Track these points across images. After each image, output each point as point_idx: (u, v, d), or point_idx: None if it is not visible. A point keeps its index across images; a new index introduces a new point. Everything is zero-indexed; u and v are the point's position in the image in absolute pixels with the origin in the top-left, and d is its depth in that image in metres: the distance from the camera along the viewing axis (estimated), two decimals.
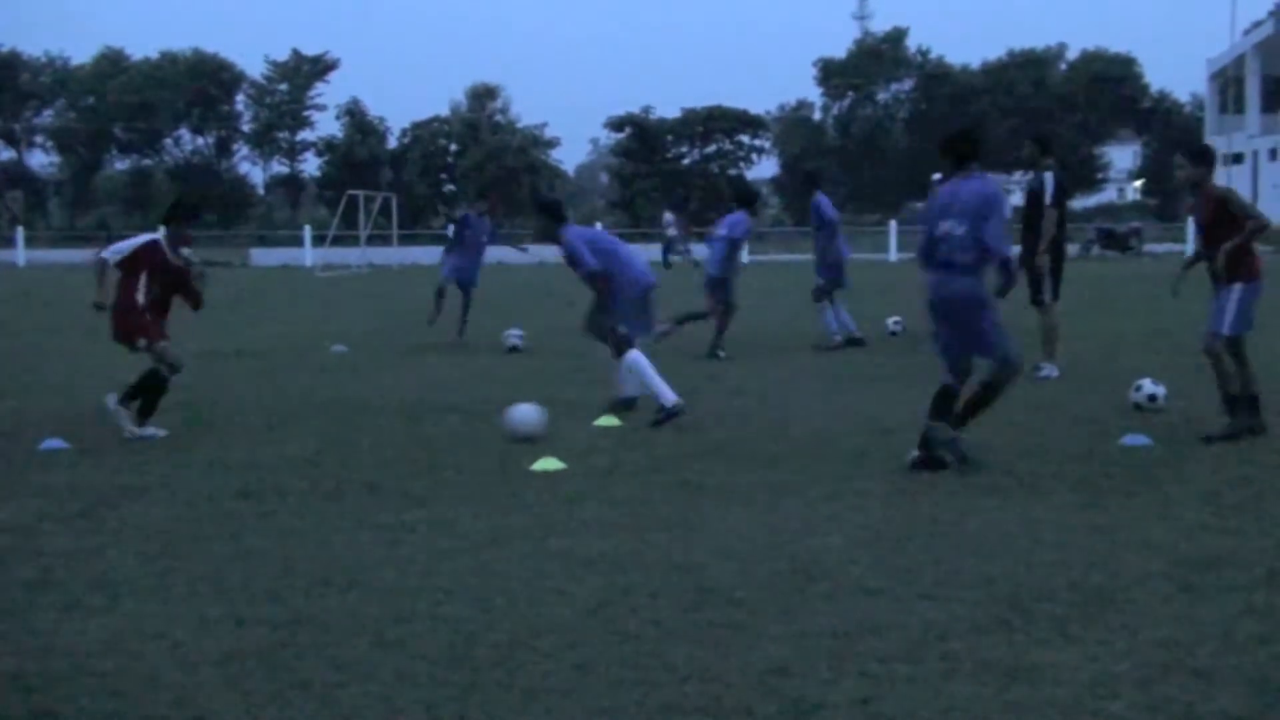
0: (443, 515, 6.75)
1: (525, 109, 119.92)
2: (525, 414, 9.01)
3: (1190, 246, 31.34)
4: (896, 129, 75.96)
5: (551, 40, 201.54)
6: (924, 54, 76.43)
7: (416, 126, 75.68)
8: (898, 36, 76.62)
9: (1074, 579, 5.40)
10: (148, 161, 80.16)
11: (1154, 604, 5.07)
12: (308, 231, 47.69)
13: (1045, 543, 6.00)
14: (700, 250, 48.07)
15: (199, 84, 75.33)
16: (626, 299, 9.95)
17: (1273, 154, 57.35)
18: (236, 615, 5.09)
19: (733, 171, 74.30)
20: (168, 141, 79.36)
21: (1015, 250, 9.70)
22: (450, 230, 16.71)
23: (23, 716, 4.15)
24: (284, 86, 77.86)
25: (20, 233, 48.45)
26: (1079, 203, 70.97)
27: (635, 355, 9.73)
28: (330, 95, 79.27)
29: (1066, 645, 4.62)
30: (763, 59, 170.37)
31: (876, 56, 75.51)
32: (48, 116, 78.90)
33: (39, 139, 79.51)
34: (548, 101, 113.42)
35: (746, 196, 15.23)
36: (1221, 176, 59.40)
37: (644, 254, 11.76)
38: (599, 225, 49.34)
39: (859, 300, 21.34)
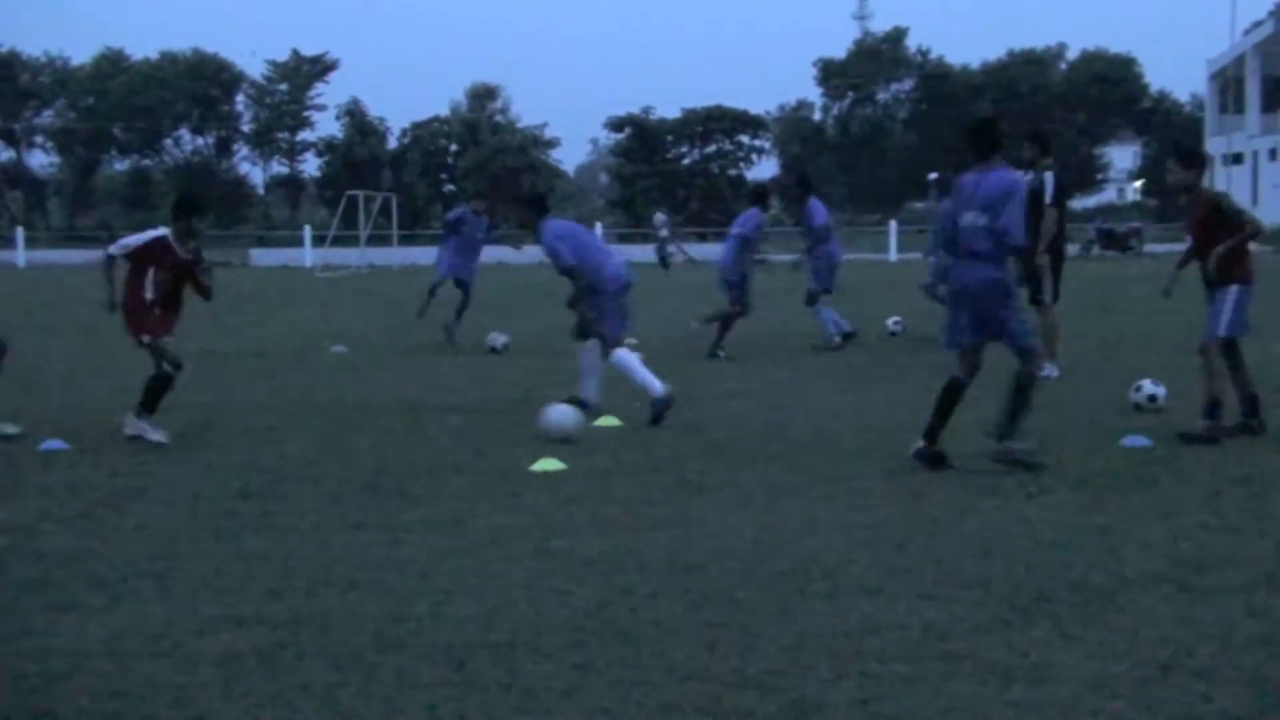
0: (443, 515, 6.75)
1: (525, 109, 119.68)
2: (562, 414, 8.97)
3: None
4: (896, 129, 75.99)
5: (551, 40, 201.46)
6: (924, 54, 76.47)
7: (416, 127, 75.70)
8: (898, 36, 76.65)
9: (1074, 579, 5.40)
10: (148, 162, 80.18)
11: (1154, 604, 5.07)
12: (308, 232, 47.72)
13: (1045, 543, 6.00)
14: (705, 250, 48.34)
15: (199, 84, 75.36)
16: (604, 295, 9.97)
17: (1272, 154, 57.35)
18: (236, 615, 5.09)
19: (732, 171, 74.39)
20: (168, 141, 79.39)
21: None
22: (449, 218, 16.70)
23: (23, 716, 4.15)
24: (284, 87, 77.88)
25: (20, 233, 48.44)
26: (1079, 203, 70.96)
27: (622, 354, 9.78)
28: (330, 95, 79.13)
29: (1066, 645, 4.62)
30: (763, 59, 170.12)
31: (876, 56, 75.53)
32: (48, 116, 78.90)
33: (39, 139, 79.53)
34: (548, 101, 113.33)
35: (757, 193, 15.25)
36: (1221, 176, 59.58)
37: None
38: (598, 225, 49.61)
39: (859, 300, 21.34)
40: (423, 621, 4.99)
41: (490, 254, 17.15)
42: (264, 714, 4.12)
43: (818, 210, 15.10)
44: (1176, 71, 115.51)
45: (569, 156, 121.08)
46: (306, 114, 78.45)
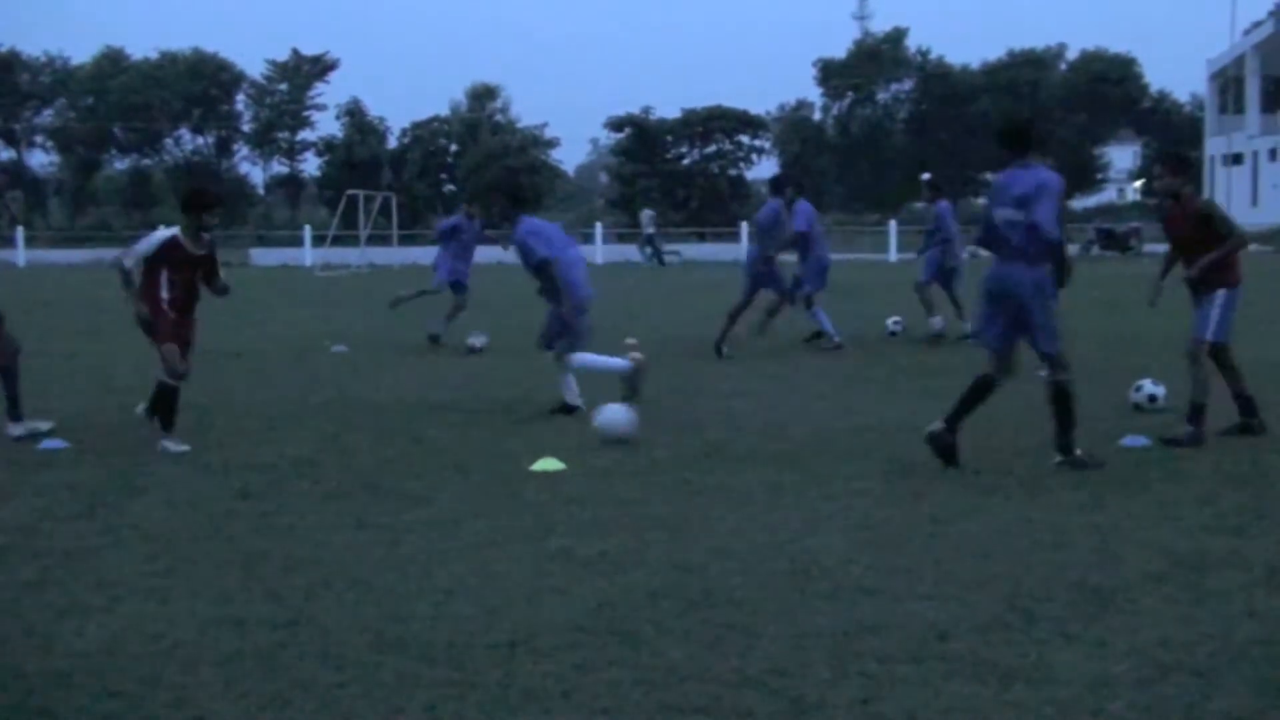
0: (443, 515, 6.76)
1: (525, 109, 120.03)
2: (614, 414, 8.92)
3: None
4: (896, 129, 75.98)
5: (551, 40, 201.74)
6: (924, 54, 76.46)
7: (416, 126, 75.73)
8: (897, 37, 76.64)
9: (1074, 579, 5.40)
10: (147, 161, 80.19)
11: (1154, 604, 5.07)
12: (307, 231, 47.70)
13: (1045, 543, 6.00)
14: (706, 250, 48.43)
15: (199, 84, 75.36)
16: (564, 313, 9.99)
17: (1272, 154, 57.35)
18: (236, 615, 5.09)
19: (732, 172, 74.44)
20: (168, 141, 79.39)
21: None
22: (444, 226, 16.71)
23: (23, 716, 4.15)
24: (284, 86, 77.89)
25: (20, 233, 48.43)
26: (1078, 203, 71.00)
27: (577, 356, 9.99)
28: (330, 95, 79.41)
29: (1066, 645, 4.62)
30: (763, 59, 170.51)
31: (876, 57, 75.52)
32: (47, 116, 78.93)
33: (39, 139, 79.55)
34: (548, 101, 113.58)
35: (774, 183, 15.25)
36: (1221, 176, 59.58)
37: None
38: (598, 225, 49.63)
39: (859, 300, 21.35)
40: (423, 621, 4.99)
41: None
42: (264, 714, 4.12)
43: (801, 214, 15.00)
44: (1176, 71, 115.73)
45: (569, 156, 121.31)
46: (306, 114, 78.48)
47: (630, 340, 15.43)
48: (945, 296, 15.58)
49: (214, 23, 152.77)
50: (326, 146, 76.43)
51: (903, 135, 75.05)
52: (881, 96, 76.68)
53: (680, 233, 56.94)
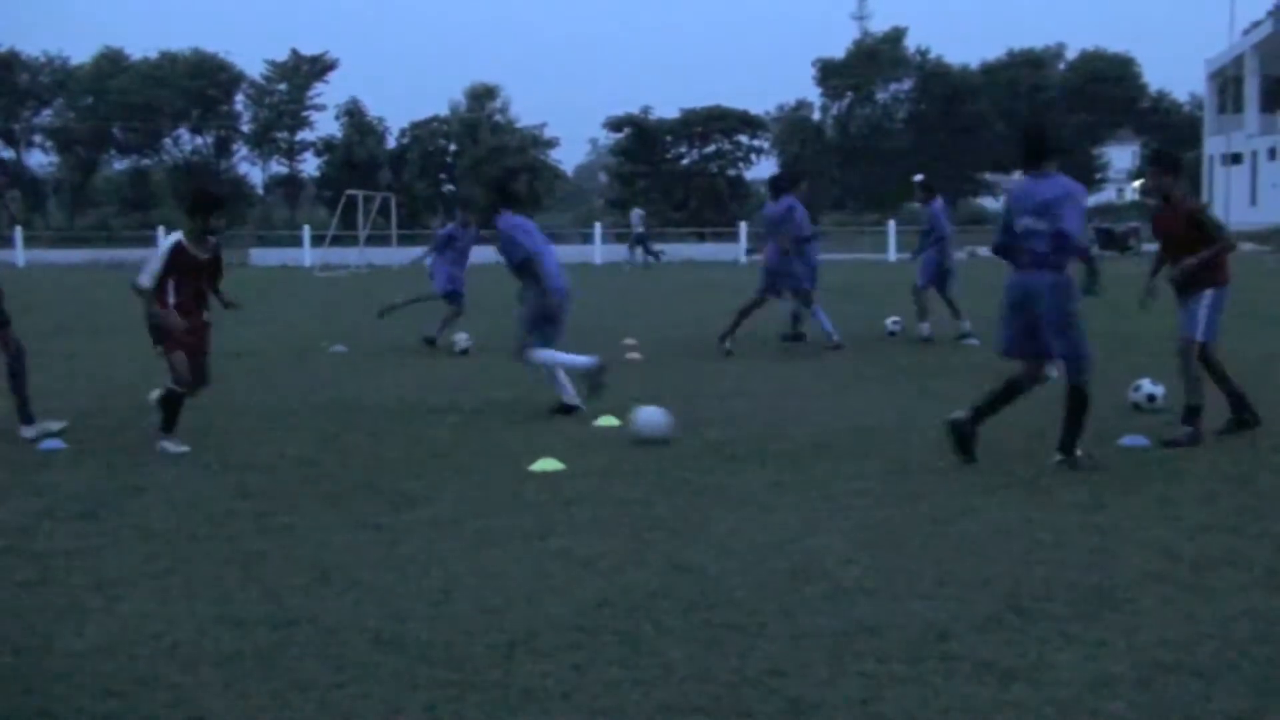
0: (442, 515, 6.75)
1: (525, 109, 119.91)
2: (652, 415, 8.88)
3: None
4: (895, 129, 75.98)
5: (551, 40, 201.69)
6: (923, 54, 76.50)
7: (416, 126, 75.71)
8: (896, 36, 76.66)
9: (1074, 579, 5.40)
10: (147, 161, 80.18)
11: (1154, 604, 5.07)
12: (307, 231, 47.68)
13: (1045, 543, 6.00)
14: (706, 250, 48.43)
15: (199, 84, 75.34)
16: (543, 305, 10.00)
17: (1272, 154, 57.34)
18: (236, 615, 5.09)
19: (732, 172, 74.43)
20: (167, 141, 79.37)
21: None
22: (441, 235, 16.71)
23: (23, 716, 4.15)
24: (283, 86, 77.87)
25: (19, 233, 48.41)
26: None
27: (538, 353, 10.05)
28: (330, 95, 79.43)
29: (1066, 645, 4.62)
30: (762, 59, 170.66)
31: (875, 56, 75.53)
32: (47, 116, 78.90)
33: (38, 139, 79.52)
34: (547, 101, 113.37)
35: (774, 183, 15.30)
36: (1220, 176, 59.53)
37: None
38: (597, 225, 49.61)
39: (859, 300, 21.35)
40: (422, 621, 4.99)
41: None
42: (264, 714, 4.12)
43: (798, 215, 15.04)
44: (1175, 71, 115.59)
45: (568, 156, 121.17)
46: (306, 114, 78.46)
47: (629, 340, 15.45)
48: (940, 300, 15.59)
49: (213, 23, 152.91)
50: (326, 147, 76.42)
51: (902, 135, 75.03)
52: (880, 96, 76.71)
53: (679, 233, 56.93)
